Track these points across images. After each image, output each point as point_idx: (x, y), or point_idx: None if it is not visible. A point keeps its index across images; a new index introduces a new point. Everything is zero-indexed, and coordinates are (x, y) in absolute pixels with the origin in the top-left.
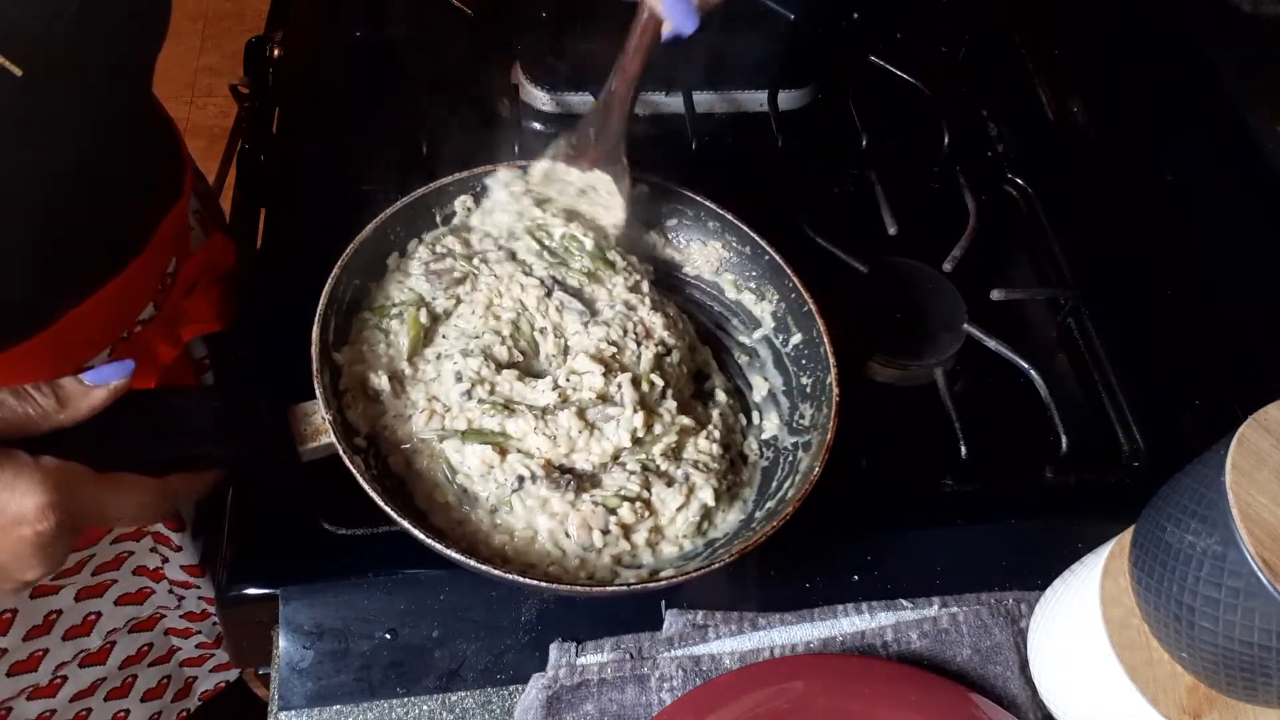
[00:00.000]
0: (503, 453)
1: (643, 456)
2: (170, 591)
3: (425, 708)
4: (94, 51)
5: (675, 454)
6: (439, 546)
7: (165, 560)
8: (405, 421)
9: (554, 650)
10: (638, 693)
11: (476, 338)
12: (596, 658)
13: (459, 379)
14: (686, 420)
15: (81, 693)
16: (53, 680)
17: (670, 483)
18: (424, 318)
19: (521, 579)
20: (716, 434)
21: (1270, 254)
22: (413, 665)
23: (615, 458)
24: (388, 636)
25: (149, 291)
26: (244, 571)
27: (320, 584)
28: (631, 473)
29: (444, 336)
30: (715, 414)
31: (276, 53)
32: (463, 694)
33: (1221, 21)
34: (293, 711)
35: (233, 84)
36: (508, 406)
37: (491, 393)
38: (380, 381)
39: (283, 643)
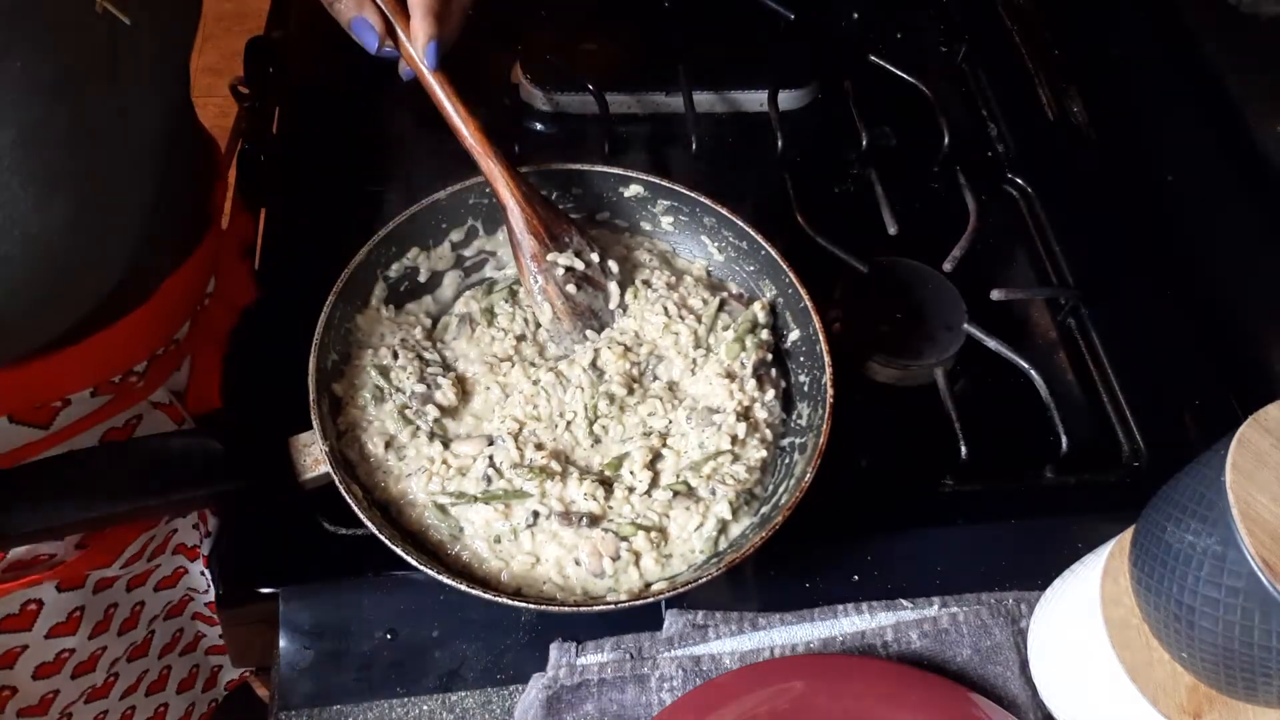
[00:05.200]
0: (509, 509)
1: (673, 480)
2: (202, 573)
3: (425, 708)
4: (175, 14)
5: (715, 470)
6: (431, 572)
7: (207, 535)
8: (399, 479)
9: (554, 650)
10: (638, 693)
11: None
12: (596, 658)
13: (490, 464)
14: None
15: (129, 689)
16: (107, 679)
17: (697, 500)
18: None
19: (512, 601)
20: (768, 438)
21: (1270, 254)
22: (413, 665)
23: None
24: (388, 636)
25: (214, 263)
26: (244, 571)
27: (320, 584)
28: (653, 500)
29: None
30: (763, 420)
31: (276, 53)
32: (463, 694)
33: (1221, 21)
34: (293, 711)
35: (233, 84)
36: (545, 470)
37: (523, 462)
38: (376, 447)
39: (283, 643)
